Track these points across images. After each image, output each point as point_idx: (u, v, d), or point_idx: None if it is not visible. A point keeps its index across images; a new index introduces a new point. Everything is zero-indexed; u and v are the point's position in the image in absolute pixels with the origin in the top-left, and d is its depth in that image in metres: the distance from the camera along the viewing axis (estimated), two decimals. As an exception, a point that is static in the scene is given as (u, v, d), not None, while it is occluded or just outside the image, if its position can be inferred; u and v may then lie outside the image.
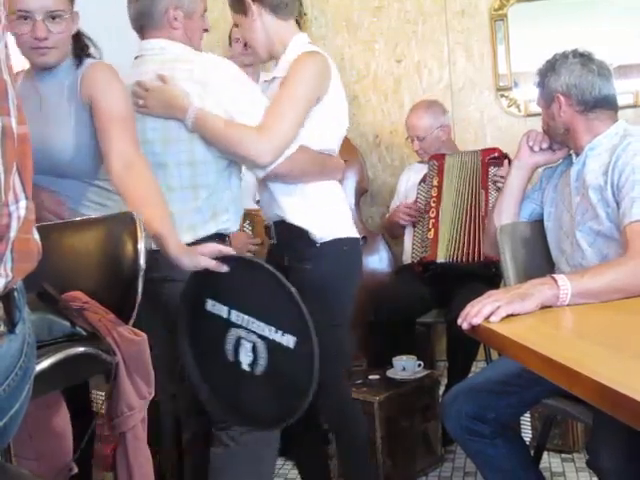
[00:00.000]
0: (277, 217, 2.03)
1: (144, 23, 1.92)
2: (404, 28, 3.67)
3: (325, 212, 2.02)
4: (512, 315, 1.39)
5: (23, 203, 0.87)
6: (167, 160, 1.86)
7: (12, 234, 0.85)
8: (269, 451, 1.93)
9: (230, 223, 1.93)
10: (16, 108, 0.85)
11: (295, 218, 1.99)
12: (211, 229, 1.88)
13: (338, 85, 2.02)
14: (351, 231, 2.06)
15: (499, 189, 2.89)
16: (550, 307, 1.46)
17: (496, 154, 3.02)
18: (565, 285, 1.46)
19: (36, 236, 0.93)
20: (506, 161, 2.94)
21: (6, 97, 0.83)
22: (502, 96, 3.55)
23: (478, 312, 1.39)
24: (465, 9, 3.58)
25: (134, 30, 1.97)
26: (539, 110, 3.47)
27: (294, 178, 1.96)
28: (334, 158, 2.06)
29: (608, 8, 3.33)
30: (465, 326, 1.40)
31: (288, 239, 2.02)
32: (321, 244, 1.98)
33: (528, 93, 3.52)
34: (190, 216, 1.86)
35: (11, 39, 1.73)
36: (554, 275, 1.51)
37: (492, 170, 2.98)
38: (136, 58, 1.97)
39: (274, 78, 2.04)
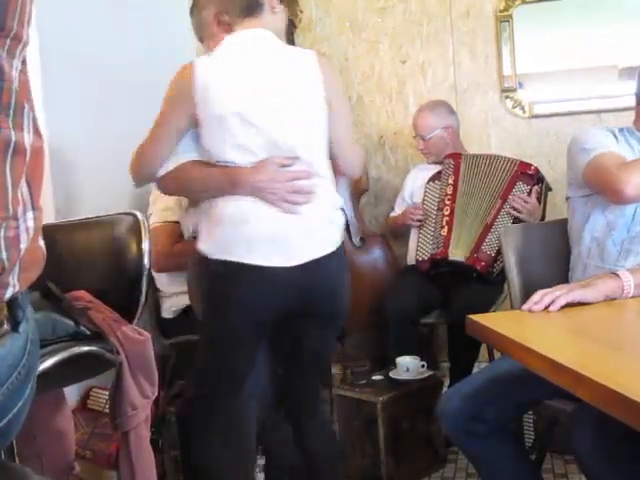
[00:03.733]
0: None
1: None
2: (409, 29, 3.67)
3: (204, 228, 1.87)
4: (572, 305, 1.45)
5: (31, 214, 0.88)
6: None
7: (23, 245, 0.86)
8: None
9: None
10: (32, 121, 0.86)
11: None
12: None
13: (223, 89, 1.80)
14: (234, 255, 1.78)
15: (514, 209, 2.87)
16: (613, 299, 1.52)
17: (531, 171, 2.94)
18: (627, 277, 1.52)
19: (41, 243, 0.93)
20: (535, 188, 2.89)
21: (22, 112, 0.84)
22: (507, 97, 3.54)
23: (539, 301, 1.46)
24: (470, 10, 3.57)
25: None
26: (543, 111, 3.50)
27: (181, 194, 2.19)
28: (229, 171, 1.80)
29: (613, 10, 3.33)
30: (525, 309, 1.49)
31: None
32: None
33: (533, 94, 3.52)
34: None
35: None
36: (615, 270, 1.58)
37: (518, 185, 2.92)
38: None
39: None
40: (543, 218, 2.90)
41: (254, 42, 1.85)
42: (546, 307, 1.46)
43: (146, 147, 1.88)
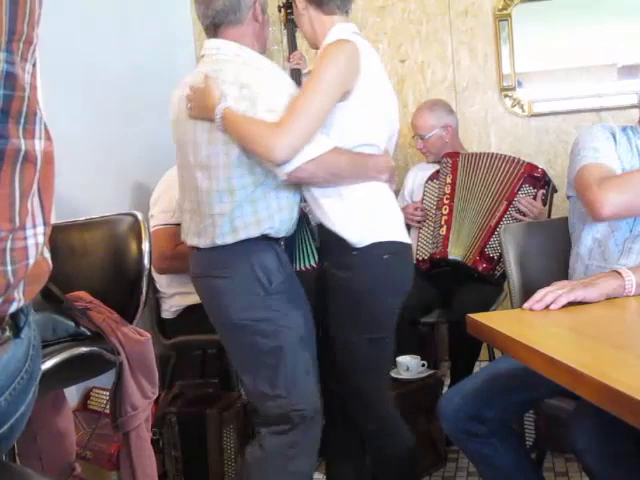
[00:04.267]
0: (317, 219, 1.96)
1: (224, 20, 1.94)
2: (408, 28, 3.67)
3: (364, 215, 1.89)
4: (573, 304, 1.45)
5: (41, 229, 0.86)
6: (210, 162, 1.85)
7: (31, 261, 0.84)
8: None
9: (274, 230, 1.89)
10: (43, 125, 0.85)
11: (330, 221, 1.89)
12: (253, 233, 1.86)
13: (376, 74, 1.92)
14: (397, 235, 1.93)
15: (518, 210, 2.83)
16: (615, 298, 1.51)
17: (538, 173, 2.88)
18: (629, 276, 1.51)
19: (47, 254, 0.92)
20: (541, 192, 2.83)
21: (33, 119, 0.83)
22: (506, 96, 3.54)
23: (541, 299, 1.45)
24: (469, 9, 3.57)
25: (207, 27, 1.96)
26: (542, 110, 3.51)
27: (323, 181, 1.86)
28: (376, 158, 1.92)
29: (612, 8, 3.33)
30: (526, 308, 1.48)
31: (328, 243, 1.95)
32: (359, 251, 1.87)
33: (532, 93, 3.52)
34: (231, 219, 1.85)
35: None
36: (617, 269, 1.56)
37: (525, 187, 2.86)
38: (201, 57, 2.00)
39: (309, 72, 2.06)
40: None
41: (360, 37, 1.94)
42: (547, 306, 1.46)
43: (310, 118, 1.75)
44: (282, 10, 3.58)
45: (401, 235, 1.94)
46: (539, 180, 2.88)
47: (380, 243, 1.87)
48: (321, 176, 1.83)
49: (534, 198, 2.85)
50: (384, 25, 3.69)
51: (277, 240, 1.92)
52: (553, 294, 1.46)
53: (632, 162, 1.91)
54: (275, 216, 1.87)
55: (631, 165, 1.90)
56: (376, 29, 3.71)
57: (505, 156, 2.99)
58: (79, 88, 2.65)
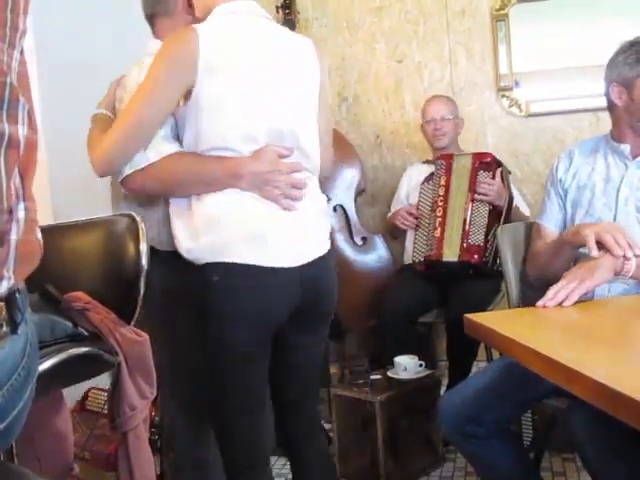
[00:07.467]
0: None
1: None
2: (405, 28, 3.67)
3: (200, 231, 1.59)
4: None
5: (22, 205, 0.88)
6: None
7: (14, 237, 0.85)
8: None
9: None
10: (27, 114, 0.85)
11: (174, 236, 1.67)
12: None
13: (237, 61, 1.59)
14: (236, 256, 1.56)
15: (482, 194, 2.92)
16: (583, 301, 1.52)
17: (488, 159, 3.00)
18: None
19: (39, 236, 0.93)
20: (498, 171, 2.95)
21: (17, 105, 0.83)
22: (503, 96, 3.55)
23: (554, 297, 1.47)
24: (466, 9, 3.58)
25: None
26: (540, 110, 3.52)
27: (158, 192, 1.67)
28: (232, 160, 1.58)
29: (610, 8, 3.33)
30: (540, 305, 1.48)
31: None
32: (191, 270, 1.61)
33: (529, 93, 3.53)
34: None
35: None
36: None
37: (480, 175, 2.96)
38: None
39: None
40: (511, 199, 2.93)
41: (251, 15, 1.64)
42: (560, 302, 1.47)
43: (128, 126, 1.56)
44: (280, 11, 3.59)
45: (244, 256, 1.56)
46: (490, 164, 2.98)
47: (211, 265, 1.58)
48: (151, 187, 1.63)
49: (492, 179, 2.95)
50: (381, 25, 3.70)
51: None
52: (565, 290, 1.47)
53: (592, 177, 1.95)
54: None
55: (592, 181, 1.94)
56: (373, 29, 3.71)
57: (465, 153, 3.11)
58: (78, 87, 2.65)
